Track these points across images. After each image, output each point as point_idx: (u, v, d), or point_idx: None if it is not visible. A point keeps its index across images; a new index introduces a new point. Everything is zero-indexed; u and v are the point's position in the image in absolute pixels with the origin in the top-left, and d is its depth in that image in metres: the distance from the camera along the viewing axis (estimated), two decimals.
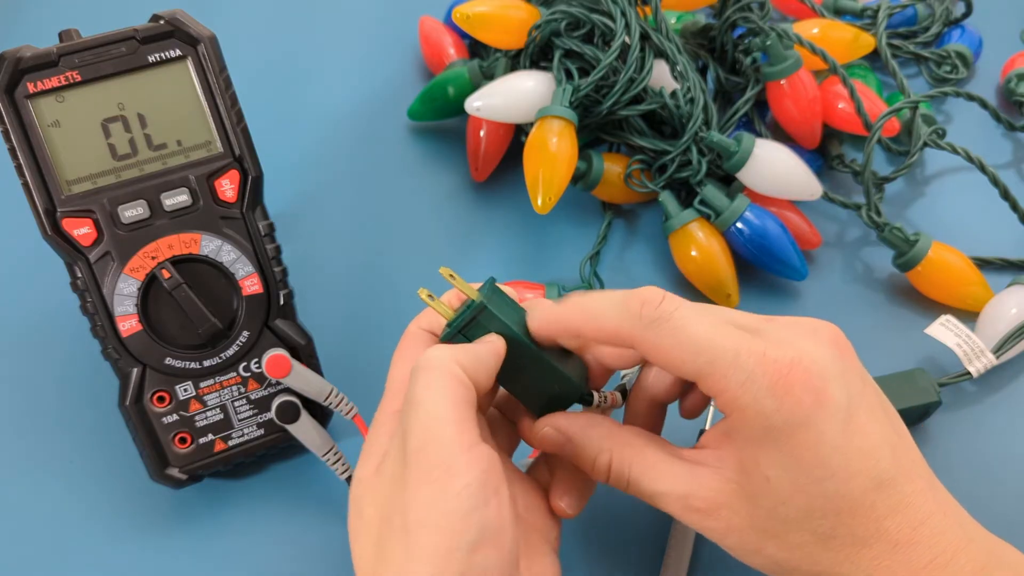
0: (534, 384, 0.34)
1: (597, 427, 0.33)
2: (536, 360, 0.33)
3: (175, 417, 0.39)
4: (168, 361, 0.38)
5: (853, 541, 0.29)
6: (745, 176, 0.48)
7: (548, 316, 0.33)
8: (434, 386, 0.29)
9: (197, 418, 0.39)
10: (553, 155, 0.46)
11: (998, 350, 0.44)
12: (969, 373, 0.44)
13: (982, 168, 0.49)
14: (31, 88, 0.35)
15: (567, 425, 0.33)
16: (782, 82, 0.51)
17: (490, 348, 0.32)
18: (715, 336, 0.30)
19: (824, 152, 0.55)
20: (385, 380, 0.34)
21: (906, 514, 0.29)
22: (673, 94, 0.49)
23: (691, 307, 0.31)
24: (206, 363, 0.38)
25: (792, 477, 0.29)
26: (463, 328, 0.33)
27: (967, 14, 0.62)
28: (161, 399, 0.39)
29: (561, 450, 0.34)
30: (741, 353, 0.29)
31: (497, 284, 0.34)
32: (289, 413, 0.40)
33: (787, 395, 0.29)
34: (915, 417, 0.43)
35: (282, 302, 0.40)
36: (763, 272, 0.49)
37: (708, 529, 0.31)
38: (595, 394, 0.35)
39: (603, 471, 0.33)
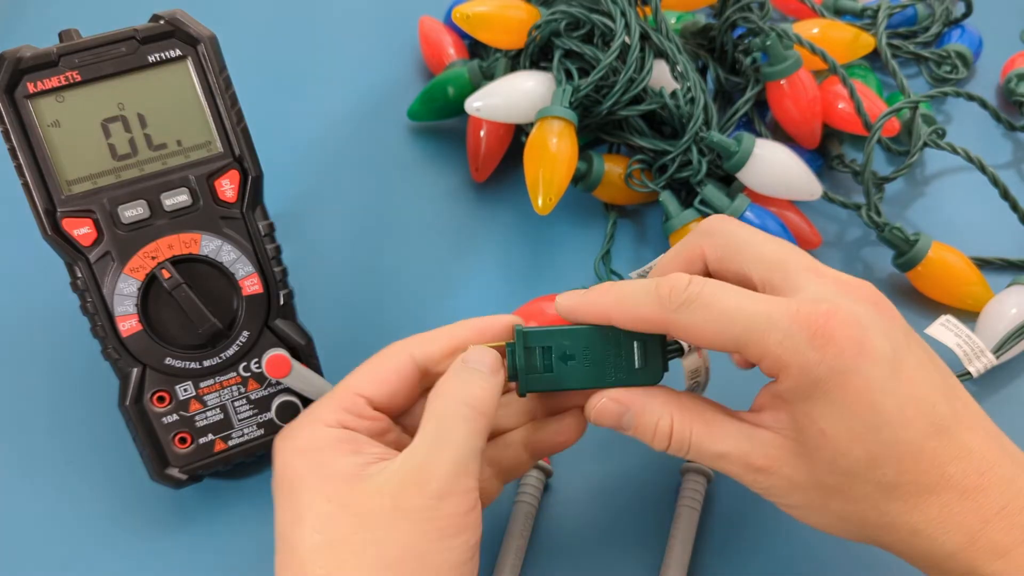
0: (621, 357, 0.34)
1: (655, 394, 0.33)
2: (610, 335, 0.34)
3: (175, 417, 0.39)
4: (168, 361, 0.38)
5: (918, 489, 0.29)
6: (745, 176, 0.48)
7: (577, 300, 0.34)
8: (465, 432, 0.31)
9: (197, 418, 0.39)
10: (553, 155, 0.46)
11: (998, 350, 0.44)
12: (969, 373, 0.44)
13: (982, 168, 0.49)
14: (31, 88, 0.35)
15: (624, 395, 0.34)
16: (782, 82, 0.51)
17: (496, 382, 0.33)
18: (744, 304, 0.30)
19: (824, 152, 0.55)
20: None
21: (970, 460, 0.29)
22: (673, 94, 0.49)
23: (718, 283, 0.31)
24: (206, 363, 0.38)
25: (847, 427, 0.29)
26: (526, 368, 0.34)
27: (967, 14, 0.62)
28: (161, 399, 0.39)
29: (619, 421, 0.34)
30: (773, 314, 0.29)
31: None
32: (289, 413, 0.40)
33: (828, 344, 0.29)
34: None
35: (282, 302, 0.40)
36: None
37: (770, 488, 0.31)
38: (680, 342, 0.35)
39: (664, 436, 0.33)
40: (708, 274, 0.34)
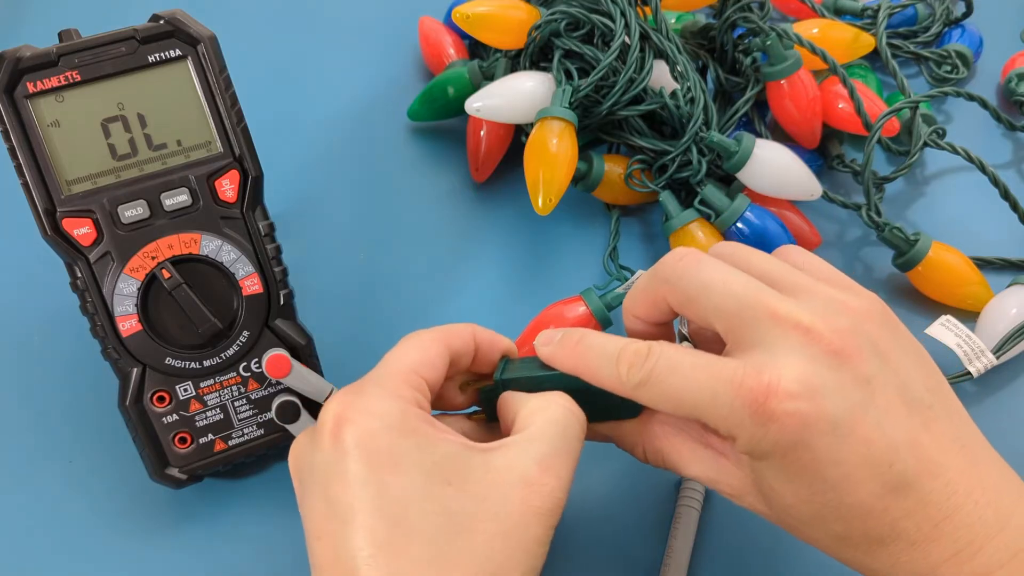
0: (600, 396, 0.34)
1: (627, 423, 0.35)
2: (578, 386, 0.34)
3: (175, 417, 0.39)
4: (168, 361, 0.38)
5: (868, 542, 0.29)
6: (745, 176, 0.48)
7: (553, 351, 0.34)
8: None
9: (197, 418, 0.39)
10: (553, 156, 0.46)
11: (998, 350, 0.44)
12: (969, 373, 0.44)
13: (982, 168, 0.49)
14: (31, 88, 0.35)
15: (601, 428, 0.36)
16: (782, 82, 0.51)
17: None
18: (691, 383, 0.30)
19: (824, 152, 0.55)
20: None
21: (925, 513, 0.29)
22: (673, 94, 0.49)
23: (670, 357, 0.31)
24: (206, 363, 0.38)
25: (793, 490, 0.30)
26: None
27: (967, 14, 0.62)
28: (161, 399, 0.39)
29: (605, 441, 0.36)
30: (718, 391, 0.29)
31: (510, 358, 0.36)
32: (289, 413, 0.40)
33: (770, 421, 0.28)
34: None
35: (282, 302, 0.40)
36: None
37: (743, 506, 0.33)
38: None
39: (643, 459, 0.35)
40: (675, 313, 0.34)
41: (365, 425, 0.30)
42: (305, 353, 0.40)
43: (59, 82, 0.36)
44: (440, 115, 0.56)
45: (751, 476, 0.31)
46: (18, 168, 0.36)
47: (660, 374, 0.31)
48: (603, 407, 0.34)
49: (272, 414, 0.40)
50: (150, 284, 0.37)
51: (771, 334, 0.30)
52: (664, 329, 0.36)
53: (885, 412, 0.29)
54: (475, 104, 0.48)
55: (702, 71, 0.55)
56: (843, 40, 0.55)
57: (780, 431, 0.28)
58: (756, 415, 0.29)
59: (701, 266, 0.32)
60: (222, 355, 0.39)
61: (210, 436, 0.40)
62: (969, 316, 0.47)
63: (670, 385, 0.30)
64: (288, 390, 0.40)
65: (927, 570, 0.29)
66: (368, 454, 0.29)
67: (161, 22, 0.37)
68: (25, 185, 0.36)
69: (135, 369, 0.38)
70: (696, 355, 0.31)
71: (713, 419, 0.30)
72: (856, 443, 0.29)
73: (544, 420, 0.32)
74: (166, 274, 0.37)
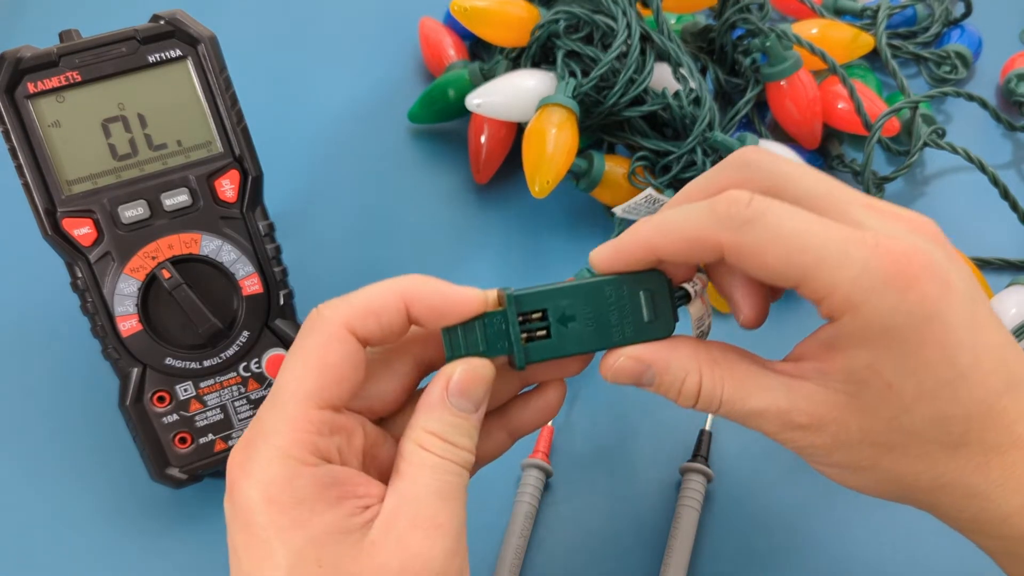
0: (627, 312, 0.30)
1: (679, 347, 0.30)
2: (613, 289, 0.30)
3: (175, 417, 0.39)
4: (168, 361, 0.38)
5: (984, 448, 0.27)
6: None
7: (614, 242, 0.30)
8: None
9: (197, 418, 0.39)
10: (553, 139, 0.45)
11: None
12: None
13: (982, 168, 0.49)
14: (31, 88, 0.36)
15: (644, 352, 0.30)
16: (782, 83, 0.51)
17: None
18: (818, 230, 0.26)
19: (824, 152, 0.55)
20: None
21: None
22: (676, 95, 0.49)
23: (784, 203, 0.27)
24: (206, 363, 0.39)
25: (918, 381, 0.26)
26: (523, 338, 0.30)
27: (967, 14, 0.62)
28: (161, 399, 0.39)
29: (639, 381, 0.30)
30: (851, 246, 0.26)
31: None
32: None
33: (910, 288, 0.25)
34: None
35: (282, 302, 0.40)
36: None
37: (812, 447, 0.28)
38: (685, 286, 0.31)
39: (692, 394, 0.29)
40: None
41: (248, 495, 0.27)
42: None
43: (60, 82, 0.36)
44: (441, 117, 0.55)
45: (846, 389, 0.27)
46: (18, 168, 0.36)
47: (776, 215, 0.26)
48: (630, 322, 0.30)
49: None
50: (150, 284, 0.37)
51: (874, 218, 0.27)
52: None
53: (990, 311, 0.28)
54: (475, 100, 0.48)
55: (702, 72, 0.55)
56: (843, 40, 0.55)
57: (919, 301, 0.25)
58: (896, 278, 0.25)
59: (780, 156, 0.30)
60: (222, 355, 0.39)
61: (210, 436, 0.40)
62: None
63: (790, 225, 0.26)
64: None
65: None
66: (246, 528, 0.27)
67: (161, 22, 0.37)
68: (25, 185, 0.36)
69: (135, 369, 0.38)
70: (811, 213, 0.27)
71: (833, 280, 0.26)
72: (982, 326, 0.26)
73: (426, 476, 0.28)
74: (166, 274, 0.37)
